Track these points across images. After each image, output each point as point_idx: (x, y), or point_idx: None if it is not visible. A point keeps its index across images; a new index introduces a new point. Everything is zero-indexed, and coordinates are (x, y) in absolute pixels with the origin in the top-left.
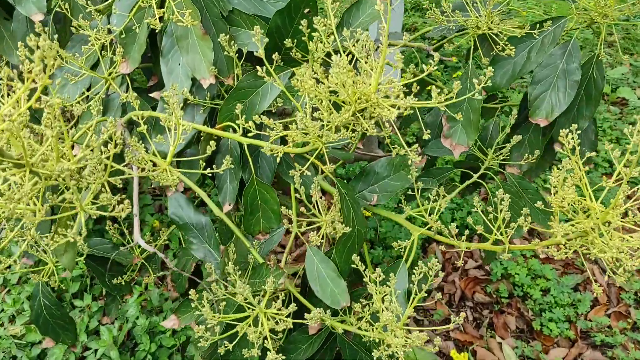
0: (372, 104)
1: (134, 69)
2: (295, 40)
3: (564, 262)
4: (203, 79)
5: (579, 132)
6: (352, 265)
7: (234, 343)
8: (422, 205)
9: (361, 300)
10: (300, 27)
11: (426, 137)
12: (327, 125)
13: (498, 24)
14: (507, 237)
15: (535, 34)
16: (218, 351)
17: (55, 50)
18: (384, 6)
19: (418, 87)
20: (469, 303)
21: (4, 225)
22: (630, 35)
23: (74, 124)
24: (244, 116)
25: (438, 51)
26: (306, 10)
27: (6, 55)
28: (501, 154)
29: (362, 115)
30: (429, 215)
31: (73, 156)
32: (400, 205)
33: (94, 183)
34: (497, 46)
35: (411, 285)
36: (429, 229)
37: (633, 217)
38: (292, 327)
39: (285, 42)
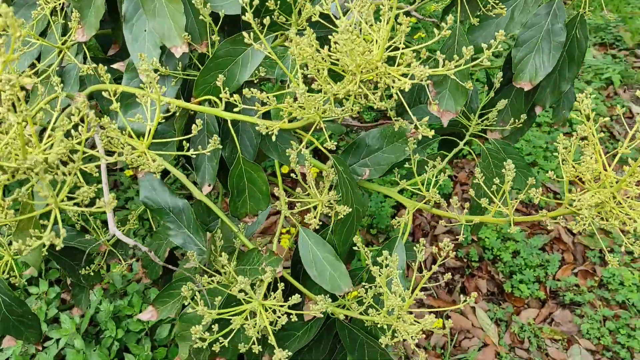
0: (379, 73)
1: (91, 36)
2: (279, 2)
3: (531, 223)
4: (174, 46)
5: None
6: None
7: (228, 339)
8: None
9: (364, 284)
10: None
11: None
12: (327, 98)
13: None
14: (513, 207)
15: None
16: (212, 348)
17: (16, 18)
18: None
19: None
20: (440, 269)
21: None
22: None
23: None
24: (226, 88)
25: (419, 11)
26: None
27: None
28: (486, 119)
29: (366, 87)
30: (426, 188)
31: (40, 144)
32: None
33: (69, 174)
34: (486, 6)
35: (411, 262)
36: (426, 202)
37: None
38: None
39: (267, 3)
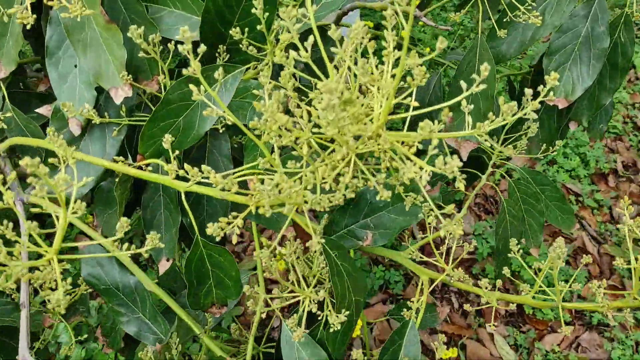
0: (381, 147)
1: (11, 71)
2: (247, 28)
3: (552, 230)
4: (113, 88)
5: None
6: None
7: None
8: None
9: None
10: (252, 7)
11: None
12: (309, 179)
13: None
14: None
15: None
16: None
17: None
18: None
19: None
20: (453, 288)
21: None
22: None
23: None
24: (176, 148)
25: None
26: None
27: None
28: (511, 142)
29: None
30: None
31: None
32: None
33: None
34: (516, 10)
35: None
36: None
37: None
38: None
39: (231, 30)
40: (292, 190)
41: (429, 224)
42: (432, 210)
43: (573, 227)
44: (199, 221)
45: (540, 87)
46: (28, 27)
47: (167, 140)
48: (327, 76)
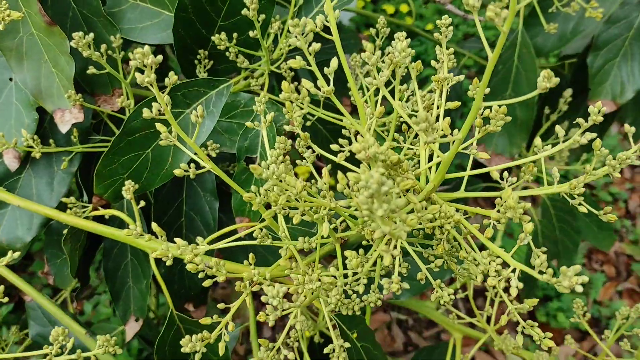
0: (433, 222)
1: None
2: (236, 33)
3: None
4: (59, 110)
5: None
6: None
7: None
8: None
9: None
10: (243, 4)
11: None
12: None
13: None
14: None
15: None
16: None
17: None
18: None
19: None
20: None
21: None
22: None
23: None
24: (144, 189)
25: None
26: None
27: None
28: (551, 157)
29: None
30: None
31: None
32: None
33: None
34: None
35: None
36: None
37: None
38: None
39: (215, 36)
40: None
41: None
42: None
43: (612, 246)
44: (174, 289)
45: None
46: None
47: (127, 188)
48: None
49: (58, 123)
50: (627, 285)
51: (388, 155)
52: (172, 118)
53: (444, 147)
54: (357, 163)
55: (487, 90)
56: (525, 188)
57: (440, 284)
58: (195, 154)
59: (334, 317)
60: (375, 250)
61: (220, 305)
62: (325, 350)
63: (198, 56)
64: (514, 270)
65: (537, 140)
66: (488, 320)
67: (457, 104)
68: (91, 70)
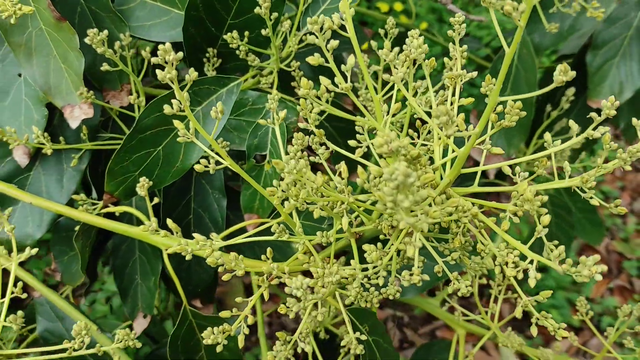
0: (450, 216)
1: None
2: (247, 32)
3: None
4: (68, 106)
5: None
6: None
7: None
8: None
9: None
10: (254, 2)
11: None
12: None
13: None
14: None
15: None
16: None
17: None
18: None
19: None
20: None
21: None
22: None
23: None
24: (155, 187)
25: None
26: None
27: None
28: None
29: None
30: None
31: None
32: None
33: None
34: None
35: None
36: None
37: None
38: None
39: (226, 35)
40: (326, 290)
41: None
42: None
43: (602, 241)
44: (182, 286)
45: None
46: None
47: (142, 185)
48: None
49: (68, 119)
50: (618, 282)
51: (408, 150)
52: (191, 115)
53: (458, 143)
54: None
55: (492, 87)
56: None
57: (457, 276)
58: (213, 150)
59: (345, 311)
60: (393, 244)
61: (239, 299)
62: (343, 343)
63: (207, 54)
64: (531, 262)
65: (547, 136)
66: (492, 317)
67: (470, 100)
68: (105, 67)
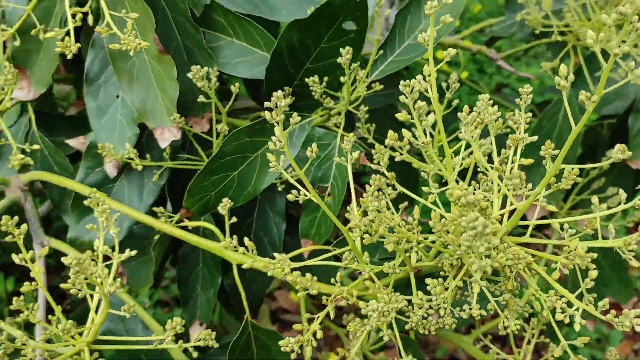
0: (505, 261)
1: (41, 93)
2: (325, 75)
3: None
4: (159, 128)
5: None
6: None
7: None
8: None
9: None
10: (331, 50)
11: None
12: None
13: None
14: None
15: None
16: None
17: None
18: None
19: None
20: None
21: None
22: None
23: None
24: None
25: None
26: (346, 24)
27: None
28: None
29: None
30: None
31: None
32: None
33: None
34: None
35: None
36: None
37: None
38: None
39: (308, 79)
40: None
41: None
42: None
43: (630, 300)
44: (238, 300)
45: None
46: (69, 56)
47: (224, 205)
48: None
49: (158, 139)
50: None
51: (479, 202)
52: (288, 152)
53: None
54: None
55: (551, 152)
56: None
57: (507, 314)
58: (285, 181)
59: (393, 337)
60: (452, 280)
61: (306, 315)
62: None
63: (283, 92)
64: (577, 309)
65: (595, 200)
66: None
67: (530, 161)
68: (201, 99)
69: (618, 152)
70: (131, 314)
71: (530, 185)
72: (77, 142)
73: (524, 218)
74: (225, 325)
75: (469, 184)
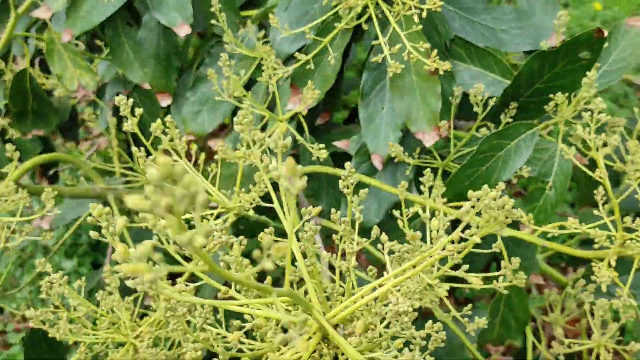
0: None
1: (310, 106)
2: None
3: None
4: (421, 132)
5: None
6: None
7: None
8: None
9: None
10: (562, 73)
11: None
12: None
13: None
14: None
15: None
16: None
17: None
18: None
19: None
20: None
21: None
22: None
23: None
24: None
25: None
26: (582, 53)
27: (125, 71)
28: None
29: None
30: None
31: None
32: None
33: None
34: None
35: None
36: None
37: None
38: None
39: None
40: None
41: None
42: None
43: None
44: None
45: None
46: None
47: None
48: None
49: (423, 140)
50: None
51: None
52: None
53: None
54: None
55: None
56: None
57: None
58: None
59: None
60: None
61: None
62: None
63: (511, 106)
64: None
65: None
66: None
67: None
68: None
69: None
70: None
71: None
72: (343, 144)
73: None
74: None
75: None
